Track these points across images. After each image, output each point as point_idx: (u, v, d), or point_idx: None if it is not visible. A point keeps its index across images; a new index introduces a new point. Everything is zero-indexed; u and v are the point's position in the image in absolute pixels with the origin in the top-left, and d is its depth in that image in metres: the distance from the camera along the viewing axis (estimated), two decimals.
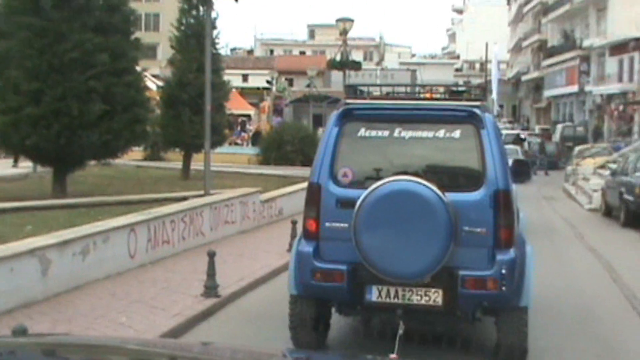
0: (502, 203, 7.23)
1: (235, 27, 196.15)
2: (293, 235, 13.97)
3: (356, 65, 29.50)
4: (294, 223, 14.12)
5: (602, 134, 52.50)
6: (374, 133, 7.56)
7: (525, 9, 76.36)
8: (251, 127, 57.17)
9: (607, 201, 22.29)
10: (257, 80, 72.68)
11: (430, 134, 7.49)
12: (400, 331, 7.01)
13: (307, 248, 7.45)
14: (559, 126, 54.74)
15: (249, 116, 61.34)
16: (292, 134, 32.76)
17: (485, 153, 7.33)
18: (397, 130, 7.52)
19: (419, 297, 7.22)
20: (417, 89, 8.81)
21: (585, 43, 58.00)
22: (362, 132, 7.56)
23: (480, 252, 7.17)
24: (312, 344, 7.77)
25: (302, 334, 7.80)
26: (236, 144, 49.35)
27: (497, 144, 7.42)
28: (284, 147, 32.32)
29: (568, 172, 32.70)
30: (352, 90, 8.31)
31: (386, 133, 7.54)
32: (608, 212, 22.22)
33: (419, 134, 7.52)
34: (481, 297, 7.23)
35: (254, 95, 67.67)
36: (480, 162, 7.35)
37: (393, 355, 5.37)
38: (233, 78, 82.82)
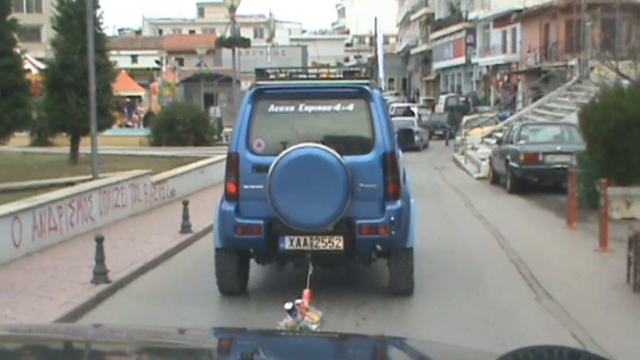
0: (389, 163, 8.74)
1: (122, 7, 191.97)
2: (185, 216, 13.81)
3: (245, 43, 29.20)
4: (185, 204, 13.94)
5: (480, 103, 54.12)
6: (281, 108, 8.92)
7: None
8: (142, 109, 56.13)
9: (494, 169, 22.87)
10: (147, 60, 71.28)
11: (328, 108, 8.92)
12: (310, 272, 8.33)
13: (229, 207, 8.82)
14: (443, 97, 56.97)
15: (139, 97, 60.18)
16: (183, 114, 32.29)
17: (375, 123, 8.81)
18: (301, 106, 8.91)
19: (324, 244, 8.66)
20: (316, 70, 9.96)
21: (471, 15, 59.17)
22: (272, 108, 8.91)
23: (372, 204, 8.67)
24: (235, 290, 9.23)
25: (226, 281, 9.17)
26: (127, 126, 48.40)
27: (384, 115, 8.95)
28: (176, 128, 31.84)
29: (457, 142, 33.46)
30: (262, 73, 9.33)
31: (292, 108, 8.91)
32: (495, 179, 22.80)
33: (319, 108, 8.94)
34: (375, 241, 8.77)
35: (144, 76, 66.33)
36: (371, 130, 8.82)
37: (306, 290, 6.97)
38: (122, 59, 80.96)
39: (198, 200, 18.65)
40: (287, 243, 8.74)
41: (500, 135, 29.65)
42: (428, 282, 10.14)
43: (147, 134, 34.64)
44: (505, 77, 49.66)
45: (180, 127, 31.78)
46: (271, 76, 9.28)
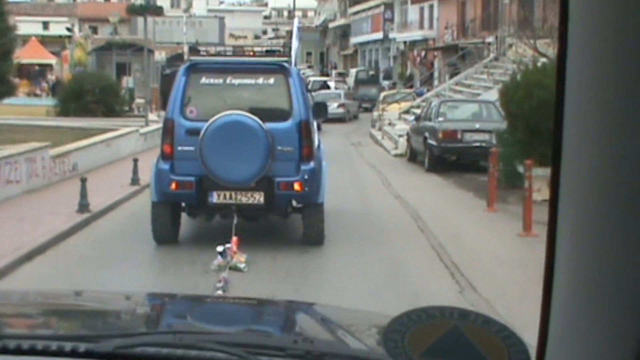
0: (304, 130, 9.91)
1: None
2: (83, 194, 12.59)
3: (158, 11, 27.80)
4: (83, 181, 12.71)
5: (391, 77, 54.92)
6: (212, 81, 10.07)
7: None
8: (53, 77, 53.70)
9: (411, 146, 22.19)
10: (59, 28, 68.36)
11: (252, 81, 10.08)
12: (235, 222, 9.67)
13: (165, 166, 9.86)
14: (353, 70, 57.99)
15: (50, 66, 57.63)
16: (93, 83, 30.59)
17: (292, 94, 9.95)
18: (229, 79, 10.05)
19: (247, 198, 9.79)
20: (243, 48, 11.68)
21: None
22: (204, 80, 10.06)
23: (289, 164, 9.78)
24: (169, 239, 10.27)
25: (162, 231, 10.18)
26: (35, 95, 46.15)
27: (301, 88, 10.18)
28: (84, 98, 30.15)
29: (374, 117, 32.72)
30: (195, 49, 11.19)
31: (221, 81, 10.06)
32: (413, 157, 22.14)
33: (244, 81, 10.10)
34: (291, 196, 9.99)
35: (55, 43, 63.53)
36: (288, 101, 9.97)
37: (234, 238, 8.94)
38: (32, 26, 77.61)
39: (102, 175, 17.39)
40: (215, 197, 9.81)
41: (418, 111, 29.10)
42: (346, 271, 9.29)
43: (54, 103, 32.79)
44: (423, 53, 49.18)
45: (89, 97, 30.11)
46: (203, 53, 10.82)
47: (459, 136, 18.99)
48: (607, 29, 0.92)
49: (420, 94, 35.77)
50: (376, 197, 15.49)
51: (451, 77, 34.23)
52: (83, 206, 12.50)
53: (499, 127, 18.25)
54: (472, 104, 21.62)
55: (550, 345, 1.07)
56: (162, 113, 36.98)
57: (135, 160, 16.12)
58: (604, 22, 0.92)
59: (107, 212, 13.22)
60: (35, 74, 54.40)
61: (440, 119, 19.72)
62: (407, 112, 30.89)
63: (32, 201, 13.71)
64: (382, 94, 36.48)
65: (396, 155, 24.00)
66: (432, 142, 19.42)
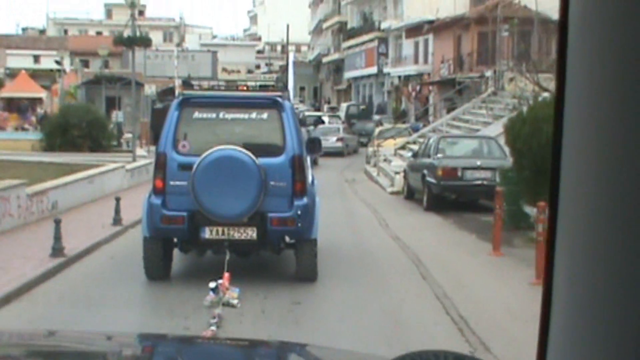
0: (297, 165, 9.78)
1: (26, 6, 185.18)
2: (57, 237, 11.63)
3: (146, 42, 26.91)
4: (57, 222, 11.75)
5: (385, 111, 54.84)
6: (204, 115, 9.98)
7: None
8: (42, 111, 52.85)
9: (409, 184, 21.31)
10: (50, 61, 67.64)
11: (246, 116, 9.97)
12: (227, 257, 9.51)
13: (157, 200, 9.74)
14: (344, 105, 58.50)
15: (40, 99, 56.84)
16: (79, 116, 29.68)
17: (285, 130, 9.83)
18: (221, 113, 9.95)
19: (239, 234, 9.65)
20: (236, 83, 11.67)
21: (383, 25, 58.01)
22: (196, 114, 9.96)
23: (282, 200, 9.68)
24: (161, 275, 10.09)
25: (153, 267, 10.02)
26: (23, 128, 45.25)
27: (294, 123, 10.04)
28: (71, 132, 29.24)
29: (369, 153, 31.87)
30: (188, 83, 11.14)
31: (214, 115, 9.96)
32: (410, 195, 21.28)
33: (237, 115, 9.99)
34: (284, 232, 9.93)
35: (46, 77, 62.91)
36: (282, 136, 9.84)
37: (226, 273, 8.79)
38: (23, 59, 77.03)
39: (82, 215, 16.46)
40: (207, 233, 9.68)
41: (414, 147, 28.27)
42: (343, 324, 8.34)
43: (39, 138, 31.87)
44: (418, 88, 48.55)
45: (75, 132, 29.20)
46: (195, 87, 10.92)
47: (459, 174, 18.12)
48: (608, 29, 0.90)
49: (416, 129, 35.01)
50: (373, 239, 14.55)
51: (448, 112, 33.50)
52: (57, 250, 11.53)
53: (502, 164, 17.45)
54: (472, 140, 20.77)
55: (550, 351, 1.04)
56: (152, 148, 36.24)
57: (118, 199, 15.17)
58: (604, 23, 0.90)
59: (84, 255, 12.23)
60: (24, 107, 53.69)
61: (439, 155, 18.87)
62: (403, 147, 30.05)
63: (2, 244, 12.72)
64: (377, 129, 35.66)
65: (392, 193, 23.12)
66: (430, 179, 18.55)
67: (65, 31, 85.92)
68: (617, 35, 0.89)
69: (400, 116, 52.92)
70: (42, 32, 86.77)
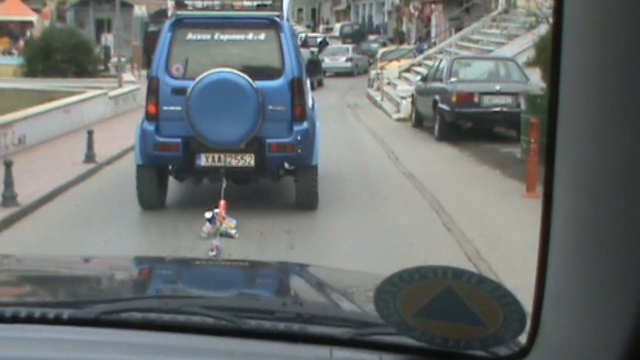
0: (297, 88, 9.19)
1: None
2: (8, 182, 9.53)
3: None
4: (8, 165, 9.63)
5: (380, 31, 53.64)
6: (199, 37, 9.40)
7: None
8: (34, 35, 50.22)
9: (417, 110, 19.14)
10: None
11: (242, 37, 9.41)
12: (224, 186, 8.99)
13: (150, 127, 9.18)
14: (337, 25, 57.54)
15: (31, 23, 54.15)
16: (63, 40, 27.20)
17: (284, 51, 9.23)
18: (216, 34, 9.39)
19: (236, 161, 9.12)
20: (231, 2, 10.15)
21: None
22: (190, 36, 9.39)
23: (281, 124, 9.11)
24: (155, 204, 9.50)
25: (147, 196, 9.41)
26: (10, 53, 42.75)
27: (293, 44, 9.48)
28: (54, 56, 26.82)
29: (372, 76, 29.48)
30: (180, 3, 9.70)
31: (208, 36, 9.40)
32: (419, 122, 19.15)
33: (233, 37, 9.42)
34: (283, 158, 9.24)
35: (38, 0, 60.20)
36: (280, 58, 9.24)
37: (222, 201, 8.55)
38: None
39: (52, 150, 14.35)
40: (203, 160, 9.15)
41: (420, 70, 25.95)
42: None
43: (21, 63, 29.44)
44: (420, 7, 45.84)
45: (58, 56, 26.78)
46: (189, 7, 9.72)
47: (475, 99, 15.93)
48: (603, 24, 0.89)
49: (420, 51, 32.60)
50: (383, 177, 12.45)
51: (455, 32, 31.00)
52: (8, 198, 9.44)
53: (524, 89, 15.26)
54: (488, 62, 18.44)
55: (546, 307, 1.02)
56: (144, 73, 33.91)
57: (90, 132, 13.01)
58: (600, 17, 0.89)
59: (43, 203, 10.13)
60: (16, 31, 51.26)
61: (453, 79, 16.64)
62: (407, 70, 27.76)
63: None
64: (380, 51, 33.17)
65: (399, 120, 20.95)
66: (443, 106, 16.36)
67: None
68: (611, 28, 0.87)
69: (399, 37, 50.52)
70: None
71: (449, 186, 11.55)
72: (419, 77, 19.89)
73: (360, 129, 19.59)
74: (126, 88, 23.34)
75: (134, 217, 9.50)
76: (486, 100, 15.88)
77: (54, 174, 11.77)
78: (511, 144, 15.37)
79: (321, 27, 62.99)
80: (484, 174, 12.79)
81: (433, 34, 42.88)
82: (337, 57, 37.03)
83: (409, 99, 20.60)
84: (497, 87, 15.96)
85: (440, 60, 18.68)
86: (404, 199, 10.71)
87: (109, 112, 20.13)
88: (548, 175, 1.00)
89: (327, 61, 36.11)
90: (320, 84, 30.93)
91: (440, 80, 17.03)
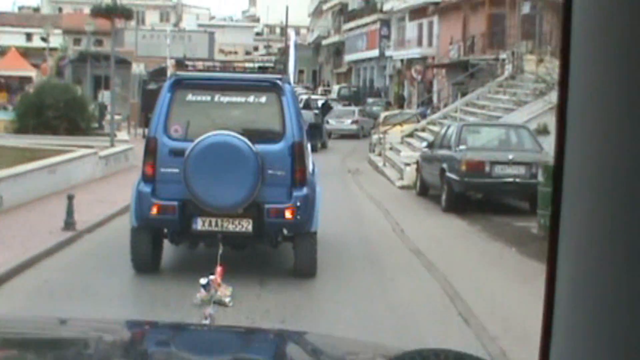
0: (297, 152, 9.05)
1: None
2: None
3: (126, 13, 23.60)
4: None
5: (380, 94, 53.38)
6: (199, 98, 9.27)
7: None
8: (30, 90, 49.62)
9: (423, 178, 18.12)
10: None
11: (243, 99, 9.29)
12: (220, 251, 8.63)
13: (146, 188, 9.00)
14: (336, 87, 58.51)
15: (30, 78, 53.64)
16: (56, 96, 26.26)
17: (285, 114, 9.13)
18: (217, 96, 9.27)
19: (234, 225, 8.89)
20: (233, 63, 10.91)
21: (386, 7, 54.78)
22: (190, 97, 9.26)
23: (280, 189, 8.96)
24: (149, 268, 9.25)
25: (141, 259, 9.15)
26: (4, 108, 41.95)
27: (295, 107, 9.41)
28: (45, 112, 25.86)
29: (374, 140, 28.52)
30: (181, 63, 10.53)
31: (209, 98, 9.27)
32: (423, 190, 18.13)
33: (234, 99, 9.31)
34: (282, 224, 9.08)
35: (38, 55, 59.80)
36: (281, 121, 9.13)
37: (219, 268, 8.06)
38: (15, 37, 73.65)
39: (32, 214, 13.26)
40: (200, 224, 8.87)
41: (423, 135, 25.10)
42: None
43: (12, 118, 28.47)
44: (422, 70, 45.32)
45: (50, 112, 25.80)
46: (190, 67, 9.92)
47: (486, 169, 14.92)
48: (612, 26, 0.88)
49: (423, 115, 31.80)
50: (389, 254, 11.32)
51: (459, 97, 30.25)
52: None
53: (537, 159, 14.32)
54: (499, 129, 17.47)
55: (553, 353, 1.01)
56: (140, 131, 33.04)
57: (70, 197, 11.88)
58: (609, 20, 0.89)
59: (10, 277, 8.98)
60: (15, 86, 50.86)
61: (462, 146, 15.65)
62: (410, 135, 26.85)
63: None
64: (383, 114, 32.30)
65: (402, 187, 19.92)
66: (452, 175, 15.33)
67: (60, 9, 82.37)
68: (621, 33, 0.87)
69: (399, 101, 50.00)
70: (37, 10, 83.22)
71: (462, 266, 10.44)
72: (424, 143, 18.91)
73: (362, 196, 18.55)
74: (119, 147, 22.36)
75: (109, 294, 8.38)
76: (498, 169, 14.87)
77: (26, 243, 10.64)
78: (524, 217, 14.37)
79: (320, 89, 62.67)
80: (498, 252, 11.68)
81: (435, 98, 42.26)
82: (343, 119, 37.28)
83: (414, 166, 19.61)
84: (510, 156, 14.96)
85: (448, 126, 17.70)
86: (413, 281, 9.57)
87: (98, 172, 19.10)
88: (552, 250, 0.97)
89: (333, 123, 36.08)
90: (324, 146, 30.68)
91: (448, 147, 16.04)
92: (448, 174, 15.46)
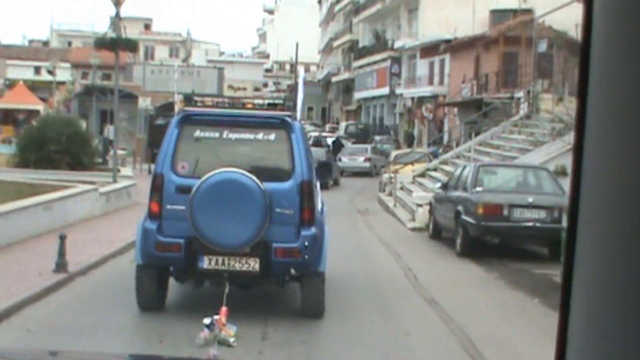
0: (306, 191, 8.88)
1: (33, 18, 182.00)
2: None
3: (131, 45, 23.08)
4: None
5: (389, 132, 52.99)
6: (206, 134, 9.17)
7: (336, 8, 71.92)
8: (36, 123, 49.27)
9: (436, 220, 17.39)
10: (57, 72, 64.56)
11: (251, 136, 9.16)
12: (226, 290, 8.34)
13: (152, 226, 8.85)
14: (343, 124, 58.81)
15: (37, 111, 53.35)
16: (58, 129, 25.68)
17: (294, 152, 8.97)
18: (225, 133, 9.14)
19: (240, 264, 8.70)
20: (242, 100, 10.59)
21: (397, 44, 54.32)
22: (198, 133, 9.16)
23: (288, 228, 8.77)
24: (154, 306, 9.09)
25: (146, 297, 9.01)
26: (10, 142, 41.49)
27: (304, 145, 9.18)
28: (47, 147, 25.28)
29: (384, 179, 27.81)
30: (189, 99, 9.85)
31: (217, 134, 9.15)
32: (436, 233, 17.41)
33: (242, 136, 9.18)
34: (289, 264, 8.82)
35: (45, 89, 59.65)
36: (290, 159, 8.99)
37: (223, 308, 7.61)
38: (23, 70, 73.64)
39: (25, 253, 12.55)
40: (206, 262, 8.72)
41: (435, 174, 24.42)
42: None
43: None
44: (434, 108, 44.77)
45: (52, 146, 25.22)
46: (198, 103, 9.63)
47: (505, 212, 14.19)
48: (629, 70, 0.89)
49: (435, 154, 31.13)
50: (402, 303, 10.56)
51: (471, 136, 29.59)
52: None
53: (559, 203, 13.60)
54: (517, 170, 16.72)
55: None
56: (146, 167, 32.43)
57: (62, 237, 11.17)
58: (629, 24, 0.89)
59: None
60: (21, 119, 50.56)
61: (479, 188, 14.94)
62: (422, 175, 26.15)
63: None
64: (394, 153, 31.61)
65: (414, 230, 19.17)
66: (467, 218, 14.60)
67: (69, 43, 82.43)
68: (637, 76, 0.87)
69: (408, 139, 49.38)
70: (46, 43, 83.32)
71: (482, 319, 9.67)
72: (437, 184, 18.18)
73: (372, 238, 17.80)
74: (121, 183, 21.73)
75: (98, 346, 7.63)
76: (517, 213, 14.14)
77: (13, 286, 9.93)
78: (544, 263, 13.66)
79: (327, 126, 62.33)
80: (520, 303, 10.91)
81: (446, 137, 41.64)
82: (355, 156, 37.11)
83: (426, 207, 18.90)
84: (530, 199, 14.22)
85: (464, 167, 16.99)
86: (429, 336, 8.80)
87: (97, 209, 18.44)
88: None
89: (345, 160, 36.02)
90: (336, 183, 30.76)
91: (464, 188, 15.33)
92: (464, 217, 14.73)
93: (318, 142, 34.79)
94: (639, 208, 0.86)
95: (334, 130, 56.15)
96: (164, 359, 3.26)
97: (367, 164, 36.18)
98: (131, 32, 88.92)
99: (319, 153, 31.49)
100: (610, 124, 0.89)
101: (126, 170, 26.96)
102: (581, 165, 0.94)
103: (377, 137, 49.55)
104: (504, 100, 28.38)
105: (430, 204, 18.18)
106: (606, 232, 0.91)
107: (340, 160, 34.71)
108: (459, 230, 15.08)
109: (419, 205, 19.79)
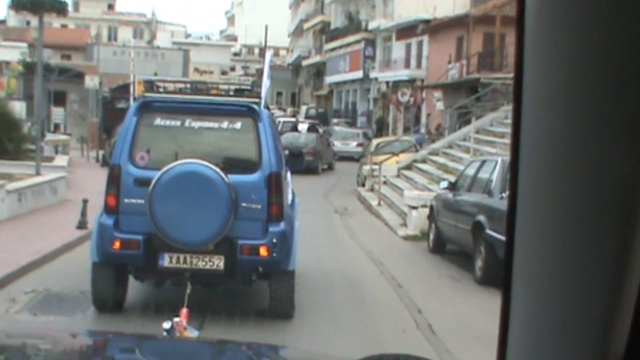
0: (274, 184, 8.20)
1: None
2: None
3: (60, 7, 18.45)
4: None
5: (348, 115, 51.15)
6: (168, 122, 8.46)
7: None
8: None
9: (439, 229, 13.14)
10: (8, 52, 59.68)
11: (216, 125, 8.48)
12: (188, 290, 7.72)
13: (108, 221, 8.17)
14: (304, 107, 56.55)
15: None
16: None
17: (262, 142, 8.28)
18: (188, 121, 8.44)
19: (204, 263, 8.08)
20: (207, 85, 9.79)
21: (371, 25, 50.15)
22: (158, 121, 8.45)
23: (255, 224, 8.11)
24: (111, 306, 8.39)
25: (102, 297, 8.36)
26: None
27: (272, 135, 8.43)
28: None
29: (365, 172, 23.38)
30: (150, 84, 9.00)
31: (178, 123, 8.45)
32: (439, 246, 13.20)
33: (206, 124, 8.49)
34: (256, 263, 8.18)
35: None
36: (257, 150, 8.28)
37: (184, 310, 6.68)
38: None
39: None
40: (167, 260, 8.13)
41: (425, 167, 20.13)
42: None
43: None
44: (419, 92, 40.69)
45: None
46: (160, 89, 9.00)
47: None
48: (563, 28, 0.87)
49: (419, 142, 26.88)
50: None
51: (460, 124, 25.34)
52: None
53: None
54: None
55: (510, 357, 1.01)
56: (92, 154, 27.70)
57: None
58: (561, 22, 0.88)
59: None
60: None
61: (505, 194, 10.63)
62: (408, 167, 21.84)
63: None
64: (374, 142, 27.11)
65: (407, 238, 14.90)
66: (494, 233, 10.33)
67: (28, 22, 77.01)
68: (571, 33, 0.86)
69: (378, 126, 45.54)
70: (2, 22, 77.75)
71: None
72: (443, 183, 13.81)
73: (356, 252, 13.44)
74: (44, 177, 17.14)
75: None
76: None
77: None
78: None
79: (289, 110, 59.43)
80: None
81: (424, 124, 37.55)
82: (348, 141, 37.32)
83: (422, 210, 14.67)
84: None
85: (482, 162, 12.61)
86: None
87: (5, 211, 13.91)
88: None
89: (338, 145, 35.91)
90: (330, 167, 31.01)
91: (488, 192, 11.05)
92: (489, 232, 10.44)
93: (295, 128, 34.66)
94: (577, 203, 0.85)
95: (295, 114, 53.02)
96: (127, 334, 2.92)
97: (360, 149, 34.45)
98: (94, 12, 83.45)
99: (309, 138, 29.58)
100: (546, 118, 0.87)
101: (60, 160, 22.29)
102: (518, 163, 0.92)
103: (335, 120, 48.33)
104: (506, 82, 24.08)
105: (430, 207, 13.88)
106: (544, 230, 0.89)
107: (333, 145, 34.66)
108: (479, 248, 10.82)
109: (413, 208, 15.48)
